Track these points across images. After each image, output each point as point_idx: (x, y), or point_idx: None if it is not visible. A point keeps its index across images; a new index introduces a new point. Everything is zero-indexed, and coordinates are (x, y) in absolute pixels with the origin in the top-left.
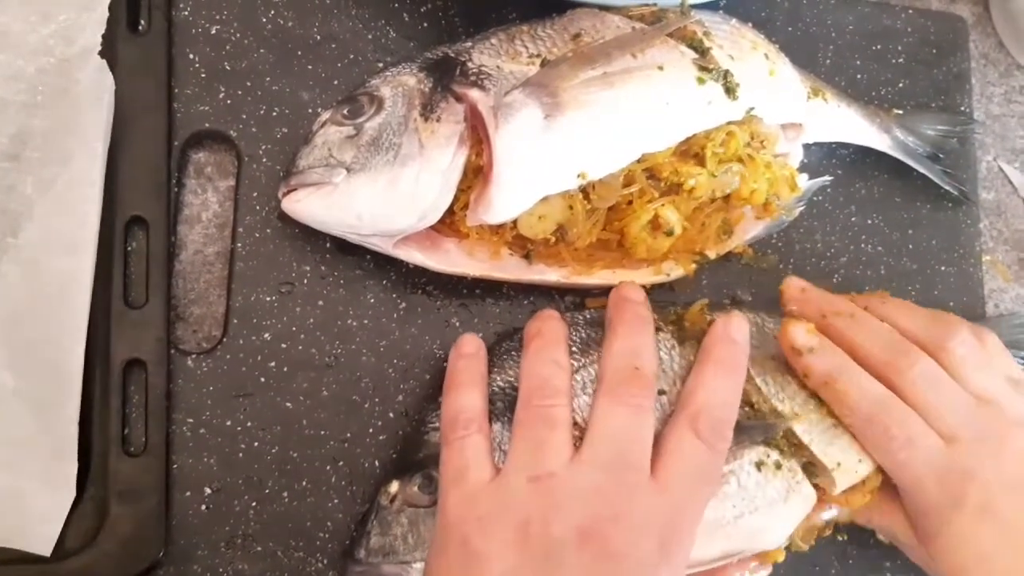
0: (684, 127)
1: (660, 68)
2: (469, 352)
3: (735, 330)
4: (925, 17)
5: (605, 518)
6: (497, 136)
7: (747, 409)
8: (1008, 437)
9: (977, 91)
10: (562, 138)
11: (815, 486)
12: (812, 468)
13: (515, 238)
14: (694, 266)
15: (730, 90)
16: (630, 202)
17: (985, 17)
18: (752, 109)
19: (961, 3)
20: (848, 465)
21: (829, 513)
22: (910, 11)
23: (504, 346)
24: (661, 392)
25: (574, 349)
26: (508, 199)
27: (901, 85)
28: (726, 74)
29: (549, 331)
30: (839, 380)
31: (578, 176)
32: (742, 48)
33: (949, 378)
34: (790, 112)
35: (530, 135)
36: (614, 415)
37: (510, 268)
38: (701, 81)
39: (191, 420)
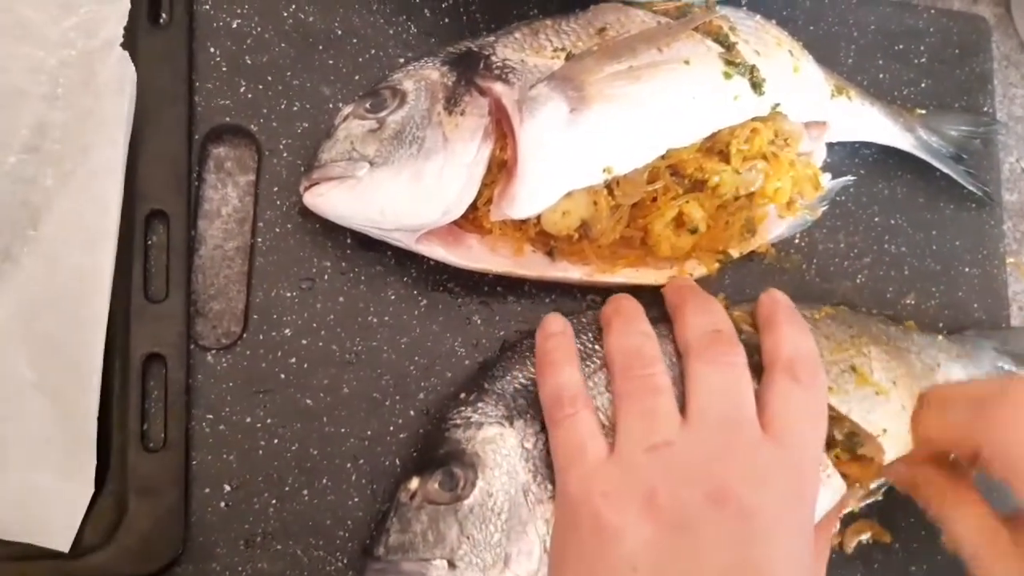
0: (710, 122)
1: (686, 62)
2: (556, 330)
3: (777, 295)
4: (947, 17)
5: (731, 479)
6: (522, 130)
7: None
8: None
9: (999, 93)
10: (587, 132)
11: (861, 457)
12: (856, 439)
13: (538, 234)
14: (717, 265)
15: (756, 85)
16: (654, 199)
17: (1007, 18)
18: (777, 105)
19: (983, 4)
20: (897, 431)
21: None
22: (932, 11)
23: (527, 343)
24: None
25: (586, 351)
26: (532, 194)
27: (923, 85)
28: (752, 69)
29: (626, 309)
30: None
31: (603, 171)
32: (767, 44)
33: None
34: (814, 110)
35: (555, 129)
36: (710, 376)
37: (533, 265)
38: (727, 76)
39: (210, 416)
